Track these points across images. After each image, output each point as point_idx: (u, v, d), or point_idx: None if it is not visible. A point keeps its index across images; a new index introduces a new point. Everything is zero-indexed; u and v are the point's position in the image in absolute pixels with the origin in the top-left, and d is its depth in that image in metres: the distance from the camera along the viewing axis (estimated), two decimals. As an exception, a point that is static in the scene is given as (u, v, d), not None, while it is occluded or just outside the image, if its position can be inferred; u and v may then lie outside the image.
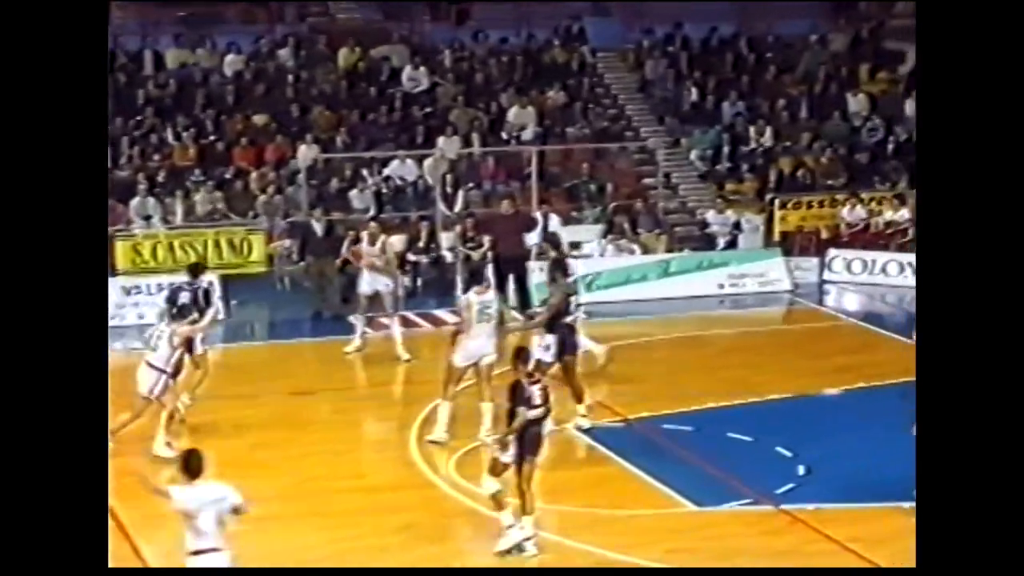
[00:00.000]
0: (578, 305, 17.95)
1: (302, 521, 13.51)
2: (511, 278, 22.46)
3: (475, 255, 23.94)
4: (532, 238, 23.80)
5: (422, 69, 29.45)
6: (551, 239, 23.33)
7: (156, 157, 27.14)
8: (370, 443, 16.13)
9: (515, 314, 20.97)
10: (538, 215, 24.27)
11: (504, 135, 28.33)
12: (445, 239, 25.16)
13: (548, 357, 15.79)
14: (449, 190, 26.13)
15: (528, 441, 12.58)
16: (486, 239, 23.77)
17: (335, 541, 13.04)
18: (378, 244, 20.11)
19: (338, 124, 28.08)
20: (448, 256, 24.64)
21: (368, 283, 19.98)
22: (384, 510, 13.72)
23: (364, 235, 20.33)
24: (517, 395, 12.53)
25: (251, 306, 23.77)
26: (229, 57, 29.41)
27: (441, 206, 25.86)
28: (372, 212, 26.16)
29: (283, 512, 13.50)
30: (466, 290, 23.69)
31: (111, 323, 21.66)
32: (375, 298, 20.06)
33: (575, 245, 25.16)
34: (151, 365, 15.26)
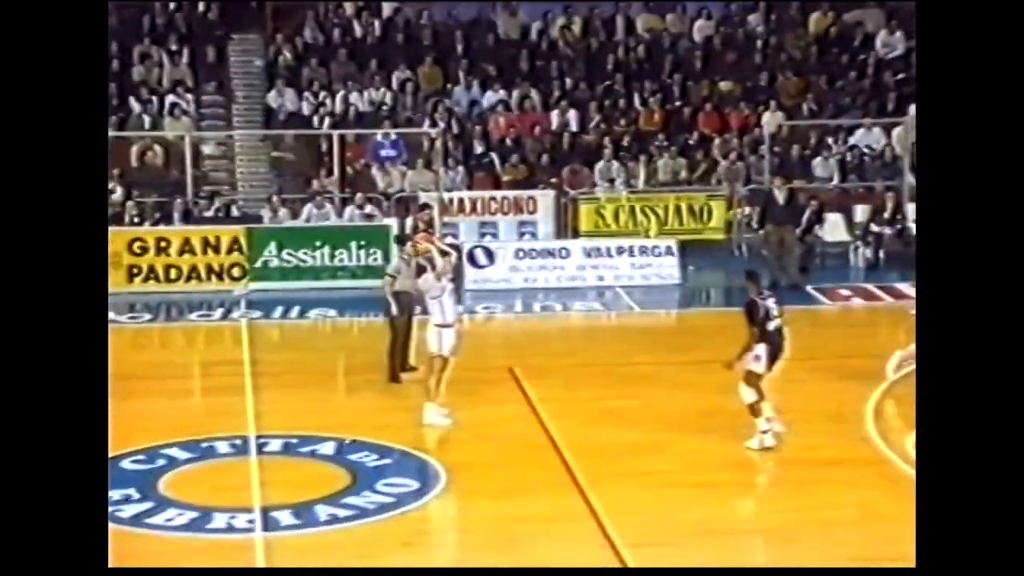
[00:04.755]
0: None
1: (748, 490, 14.51)
2: None
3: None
4: None
5: (898, 34, 29.93)
6: None
7: (622, 122, 28.94)
8: (823, 415, 16.48)
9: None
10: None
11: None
12: (911, 211, 25.50)
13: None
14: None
15: (777, 347, 15.07)
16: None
17: (783, 511, 13.74)
18: None
19: (805, 90, 28.98)
20: (914, 228, 25.03)
21: None
22: (837, 484, 14.17)
23: None
24: (754, 313, 14.99)
25: (708, 272, 25.14)
26: (699, 23, 30.80)
27: (909, 176, 26.30)
28: (836, 180, 27.76)
29: (729, 480, 14.38)
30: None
31: (571, 284, 24.25)
32: None
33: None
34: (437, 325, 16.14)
